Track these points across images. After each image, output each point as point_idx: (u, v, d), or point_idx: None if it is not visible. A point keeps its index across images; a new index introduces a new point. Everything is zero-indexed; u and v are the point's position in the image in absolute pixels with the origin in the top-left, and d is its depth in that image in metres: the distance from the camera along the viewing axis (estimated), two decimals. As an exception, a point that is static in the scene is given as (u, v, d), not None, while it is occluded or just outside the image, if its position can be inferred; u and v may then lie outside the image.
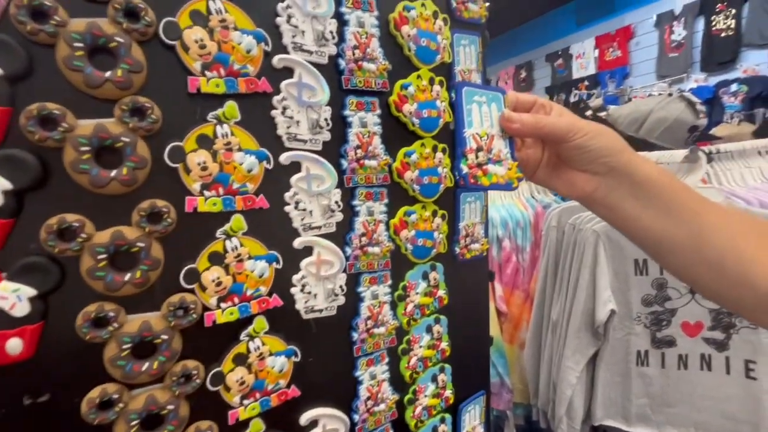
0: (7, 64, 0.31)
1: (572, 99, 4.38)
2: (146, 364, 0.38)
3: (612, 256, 1.17)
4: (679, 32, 4.02)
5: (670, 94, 1.60)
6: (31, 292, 0.33)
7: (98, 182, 0.35)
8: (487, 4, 0.62)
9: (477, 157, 0.44)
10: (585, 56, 4.85)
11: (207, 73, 0.39)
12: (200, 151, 0.39)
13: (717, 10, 3.70)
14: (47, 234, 0.33)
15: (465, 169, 0.43)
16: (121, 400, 0.37)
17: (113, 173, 0.35)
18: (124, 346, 0.36)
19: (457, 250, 0.61)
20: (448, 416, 0.63)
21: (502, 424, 1.77)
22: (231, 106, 0.41)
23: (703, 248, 0.39)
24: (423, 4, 0.54)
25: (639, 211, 0.41)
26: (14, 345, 0.32)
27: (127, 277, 0.36)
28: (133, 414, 0.37)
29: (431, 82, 0.56)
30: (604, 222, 1.23)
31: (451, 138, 0.59)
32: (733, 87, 3.34)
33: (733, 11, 3.59)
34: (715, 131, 2.09)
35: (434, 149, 0.57)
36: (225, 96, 0.40)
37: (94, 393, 0.36)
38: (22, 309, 0.32)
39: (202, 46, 0.38)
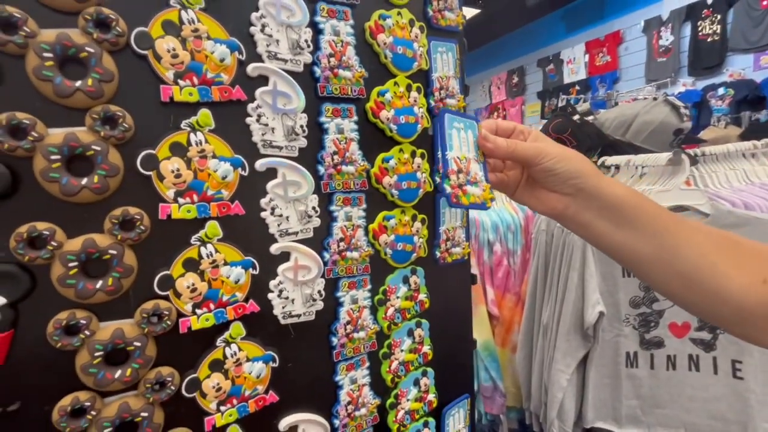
0: (-25, 75, 0.31)
1: (560, 103, 4.44)
2: (119, 372, 0.38)
3: (600, 259, 1.17)
4: (666, 37, 4.09)
5: (655, 98, 1.62)
6: (1, 300, 0.33)
7: (69, 190, 0.35)
8: (472, 11, 0.63)
9: (458, 179, 0.46)
10: (575, 61, 4.92)
11: (180, 81, 0.40)
12: (174, 159, 0.40)
13: (703, 15, 3.77)
14: (17, 242, 0.33)
15: (448, 189, 0.44)
16: (93, 408, 0.37)
17: (84, 181, 0.35)
18: (96, 354, 0.36)
19: (438, 254, 0.62)
20: (431, 420, 0.63)
21: (496, 428, 1.76)
22: (205, 114, 0.41)
23: (675, 263, 0.40)
24: (399, 13, 0.55)
25: (610, 229, 0.43)
26: (-18, 353, 0.32)
27: (99, 284, 0.36)
28: (106, 422, 0.37)
29: (408, 88, 0.56)
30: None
31: (430, 143, 0.60)
32: (720, 90, 3.39)
33: (719, 17, 3.66)
34: (702, 134, 2.12)
35: (413, 154, 0.58)
36: (198, 104, 0.41)
37: (66, 401, 0.36)
38: (-9, 317, 0.33)
39: (175, 56, 0.39)
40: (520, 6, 4.36)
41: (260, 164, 0.45)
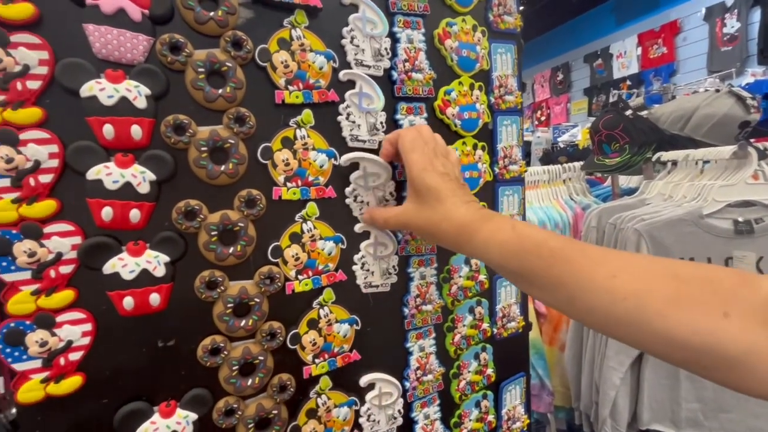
0: (153, 86, 0.42)
1: (611, 99, 4.25)
2: (243, 321, 0.47)
3: (656, 254, 1.16)
4: (732, 24, 3.80)
5: (717, 90, 1.55)
6: (166, 258, 0.43)
7: (212, 175, 0.45)
8: (522, 8, 0.68)
9: (504, 162, 0.66)
10: (626, 55, 4.69)
11: (289, 87, 0.48)
12: (284, 150, 0.49)
13: (774, -1, 3.47)
14: (177, 214, 0.43)
15: (497, 170, 0.66)
16: (225, 349, 0.46)
17: (222, 168, 0.45)
18: (228, 306, 0.46)
19: (497, 239, 0.67)
20: (490, 393, 0.68)
21: (542, 427, 1.75)
22: (307, 114, 0.50)
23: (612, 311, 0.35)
24: (464, 20, 0.61)
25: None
26: (155, 298, 0.43)
27: (231, 250, 0.46)
28: (234, 361, 0.46)
29: (471, 87, 0.62)
30: (645, 221, 1.23)
31: (490, 136, 0.66)
32: (795, 80, 3.10)
33: (793, 0, 3.35)
34: (773, 127, 1.97)
35: (474, 147, 0.64)
36: (302, 105, 0.49)
37: (207, 341, 0.45)
38: (160, 271, 0.43)
39: (286, 66, 0.48)
40: (566, 1, 4.24)
41: (344, 159, 0.53)
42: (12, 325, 0.38)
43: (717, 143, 1.49)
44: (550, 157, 3.21)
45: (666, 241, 1.14)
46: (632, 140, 1.61)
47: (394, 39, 0.55)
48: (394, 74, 0.56)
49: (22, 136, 0.37)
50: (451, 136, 0.61)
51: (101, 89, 0.39)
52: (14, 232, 0.37)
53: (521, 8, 0.69)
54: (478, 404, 0.67)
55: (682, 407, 1.16)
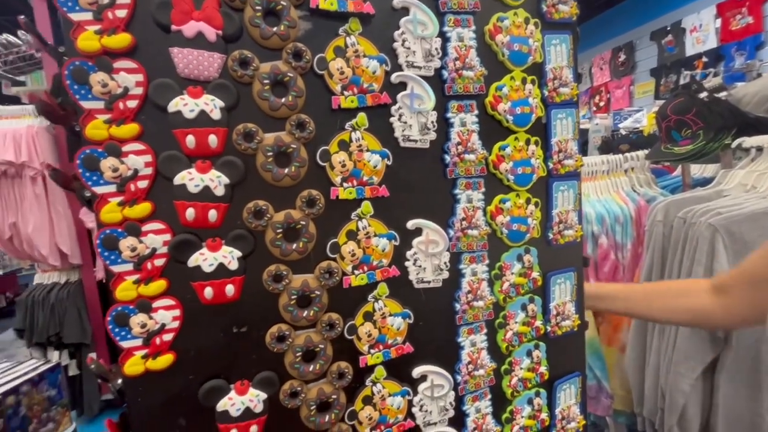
0: (226, 99, 0.46)
1: (683, 80, 3.84)
2: (305, 312, 0.51)
3: (735, 252, 1.05)
4: (837, -15, 3.26)
5: (815, 65, 1.35)
6: (238, 253, 0.48)
7: (277, 177, 0.49)
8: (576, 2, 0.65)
9: (559, 157, 0.64)
10: (702, 28, 4.20)
11: (345, 92, 0.51)
12: (340, 153, 0.52)
13: None
14: (247, 214, 0.48)
15: (551, 165, 0.64)
16: (290, 337, 0.51)
17: (286, 171, 0.49)
18: (292, 297, 0.50)
19: (551, 235, 0.66)
20: (543, 391, 0.67)
21: (600, 430, 1.67)
22: (362, 117, 0.52)
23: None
24: (515, 13, 0.60)
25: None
26: (230, 289, 0.48)
27: (294, 246, 0.50)
28: (297, 348, 0.51)
29: (523, 81, 0.61)
30: (722, 215, 1.12)
31: (544, 131, 0.64)
32: None
33: None
34: None
35: (527, 142, 0.62)
36: (357, 109, 0.52)
37: (274, 329, 0.50)
38: (234, 265, 0.48)
39: (342, 72, 0.51)
40: (630, -26, 3.87)
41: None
42: (119, 309, 0.44)
43: (814, 126, 1.30)
44: (609, 145, 2.99)
45: (747, 237, 1.03)
46: (707, 125, 1.46)
47: (444, 38, 0.56)
48: (445, 73, 0.56)
49: (125, 148, 0.43)
50: (502, 132, 0.61)
51: (185, 104, 0.45)
52: (119, 230, 0.44)
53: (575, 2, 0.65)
54: (530, 401, 0.66)
55: (765, 420, 1.05)
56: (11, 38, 2.13)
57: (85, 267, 2.08)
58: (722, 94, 1.56)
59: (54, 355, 2.00)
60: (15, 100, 2.27)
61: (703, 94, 1.45)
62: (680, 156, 1.44)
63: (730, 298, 0.62)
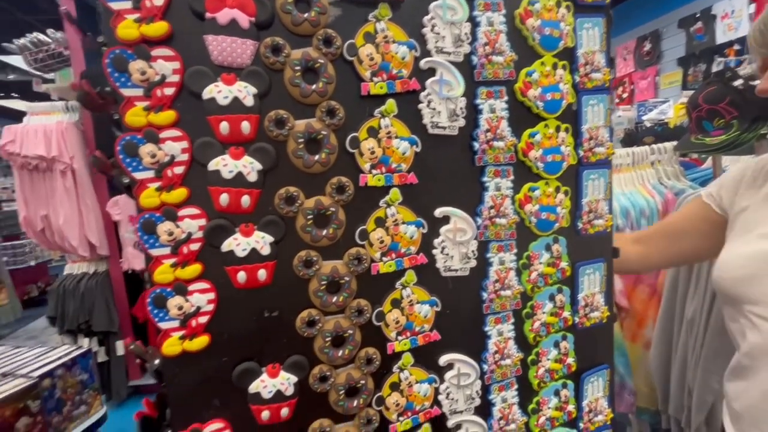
0: (258, 85, 0.47)
1: (714, 68, 3.68)
2: (335, 297, 0.51)
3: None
4: None
5: None
6: (270, 239, 0.49)
7: (308, 164, 0.49)
8: None
9: (590, 144, 0.63)
10: (734, 14, 4.01)
11: (374, 78, 0.51)
12: (370, 140, 0.51)
13: None
14: (279, 200, 0.49)
15: (581, 152, 0.62)
16: (320, 322, 0.51)
17: (316, 157, 0.49)
18: (322, 283, 0.51)
19: (580, 225, 0.64)
20: (570, 382, 0.66)
21: (622, 429, 1.64)
22: (391, 104, 0.52)
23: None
24: (547, -4, 0.58)
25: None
26: (262, 274, 0.49)
27: (324, 232, 0.50)
28: (327, 333, 0.51)
29: (554, 67, 0.60)
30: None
31: (574, 118, 0.63)
32: None
33: None
34: None
35: (557, 129, 0.61)
36: (386, 95, 0.52)
37: (304, 314, 0.51)
38: (266, 250, 0.48)
39: (371, 59, 0.50)
40: (657, -41, 3.73)
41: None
42: (158, 291, 0.46)
43: None
44: (633, 138, 2.89)
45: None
46: (741, 115, 1.39)
47: (474, 23, 0.55)
48: (474, 59, 0.55)
49: (162, 135, 0.44)
50: (532, 118, 0.60)
51: (219, 91, 0.45)
52: (158, 215, 0.45)
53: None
54: (557, 393, 0.65)
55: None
56: (41, 36, 2.20)
57: (112, 258, 2.15)
58: (758, 82, 1.49)
59: (84, 342, 2.08)
60: (45, 97, 2.35)
61: (738, 82, 1.39)
62: (712, 147, 1.39)
63: (648, 247, 0.74)
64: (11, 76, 5.07)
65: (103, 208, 2.07)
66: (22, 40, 2.20)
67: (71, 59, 2.07)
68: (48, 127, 2.00)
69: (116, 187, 2.23)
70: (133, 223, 0.45)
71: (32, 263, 4.15)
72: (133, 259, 2.09)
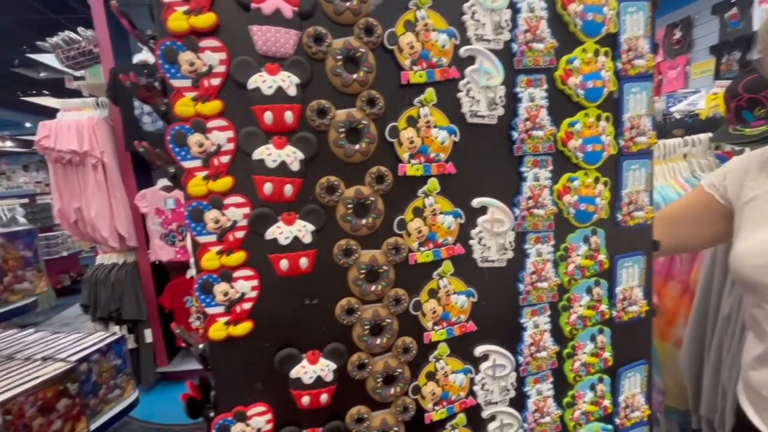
0: (301, 75, 0.47)
1: (751, 56, 3.50)
2: (373, 286, 0.52)
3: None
4: None
5: None
6: (311, 227, 0.49)
7: (348, 153, 0.49)
8: None
9: (631, 133, 0.61)
10: (772, 0, 3.80)
11: (414, 67, 0.51)
12: (409, 129, 0.51)
13: None
14: (320, 189, 0.49)
15: (622, 142, 0.61)
16: (358, 310, 0.52)
17: (356, 147, 0.49)
18: (361, 271, 0.51)
19: (620, 216, 0.63)
20: (606, 377, 0.65)
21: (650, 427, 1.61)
22: (430, 92, 0.52)
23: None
24: (590, -20, 0.57)
25: None
26: (303, 262, 0.49)
27: (363, 222, 0.51)
28: (365, 321, 0.52)
29: (596, 53, 0.58)
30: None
31: (615, 106, 0.61)
32: None
33: None
34: None
35: (598, 118, 0.60)
36: (426, 84, 0.51)
37: (344, 302, 0.51)
38: (308, 239, 0.49)
39: (411, 47, 0.50)
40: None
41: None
42: (205, 277, 0.47)
43: None
44: (661, 130, 2.80)
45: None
46: (784, 104, 1.32)
47: (514, 10, 0.54)
48: (515, 46, 0.54)
49: (209, 124, 0.45)
50: (572, 107, 0.58)
51: (263, 81, 0.46)
52: (204, 203, 0.46)
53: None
54: (593, 387, 0.64)
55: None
56: (72, 35, 2.27)
57: (140, 250, 2.22)
58: (802, 70, 1.41)
59: (115, 330, 2.16)
60: (77, 94, 2.43)
61: (781, 70, 1.32)
62: (752, 138, 1.33)
63: None
64: (42, 74, 5.27)
65: (131, 202, 2.14)
66: (54, 39, 2.28)
67: (101, 56, 2.13)
68: (80, 122, 2.07)
69: (143, 180, 2.28)
70: (183, 209, 0.47)
71: (64, 254, 4.34)
72: (160, 251, 2.16)
